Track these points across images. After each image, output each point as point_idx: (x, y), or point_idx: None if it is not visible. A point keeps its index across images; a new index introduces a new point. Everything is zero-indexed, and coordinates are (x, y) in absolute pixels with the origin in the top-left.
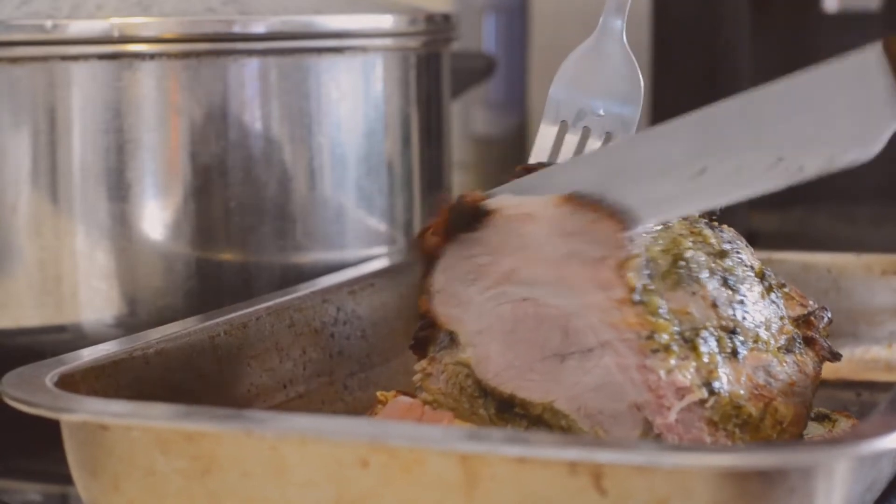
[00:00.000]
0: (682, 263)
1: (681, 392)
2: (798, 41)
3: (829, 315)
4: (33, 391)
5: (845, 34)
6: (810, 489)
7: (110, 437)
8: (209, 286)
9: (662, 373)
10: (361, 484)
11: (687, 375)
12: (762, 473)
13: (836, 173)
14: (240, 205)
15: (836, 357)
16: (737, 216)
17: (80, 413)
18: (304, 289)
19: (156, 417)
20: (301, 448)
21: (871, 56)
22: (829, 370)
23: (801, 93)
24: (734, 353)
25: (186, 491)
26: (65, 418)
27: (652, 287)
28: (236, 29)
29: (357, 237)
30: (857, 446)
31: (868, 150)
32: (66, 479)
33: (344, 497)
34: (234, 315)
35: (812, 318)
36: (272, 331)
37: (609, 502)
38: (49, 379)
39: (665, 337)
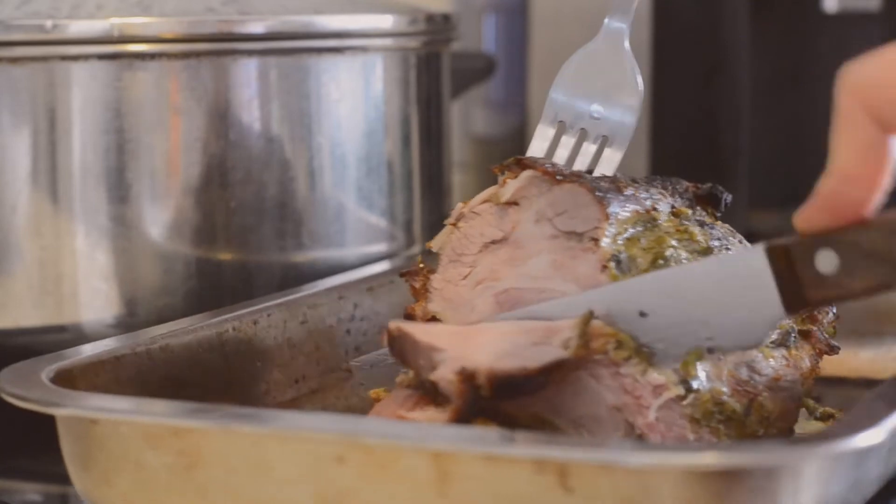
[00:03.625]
0: (661, 262)
1: (657, 390)
2: (798, 41)
3: (835, 311)
4: (27, 386)
5: (845, 34)
6: (774, 489)
7: (100, 432)
8: (209, 286)
9: (637, 374)
10: (339, 480)
11: (662, 373)
12: (726, 473)
13: None
14: (240, 205)
15: (833, 350)
16: (735, 215)
17: (70, 408)
18: (319, 286)
19: (142, 413)
20: (280, 444)
21: (758, 258)
22: (848, 369)
23: (699, 281)
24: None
25: (174, 485)
26: (55, 413)
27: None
28: (236, 29)
29: (357, 237)
30: (823, 447)
31: (749, 342)
32: (66, 479)
33: (323, 493)
34: (243, 311)
35: (816, 313)
36: (284, 327)
37: (575, 500)
38: (45, 374)
39: (632, 344)
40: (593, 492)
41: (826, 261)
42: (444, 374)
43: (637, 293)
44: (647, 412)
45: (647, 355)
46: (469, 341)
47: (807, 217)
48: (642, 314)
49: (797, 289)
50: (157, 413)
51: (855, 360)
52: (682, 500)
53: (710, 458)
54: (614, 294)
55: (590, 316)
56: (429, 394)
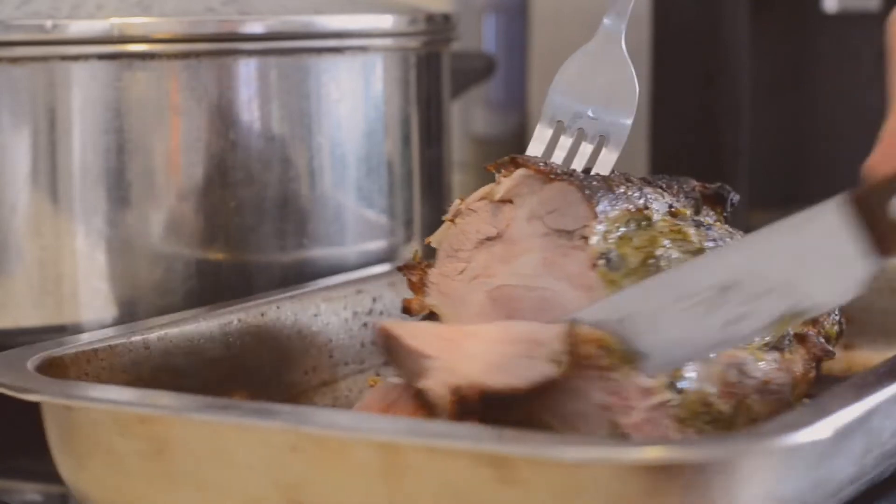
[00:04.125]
0: (652, 262)
1: (645, 392)
2: (798, 41)
3: (838, 315)
4: (10, 374)
5: (845, 34)
6: (707, 485)
7: (76, 419)
8: (209, 286)
9: (622, 378)
10: (293, 469)
11: (647, 381)
12: (659, 468)
13: (835, 172)
14: (240, 205)
15: (828, 354)
16: (735, 215)
17: (45, 395)
18: (332, 281)
19: (110, 401)
20: (238, 434)
21: (835, 210)
22: (861, 369)
23: (778, 242)
24: None
25: (144, 471)
26: (30, 399)
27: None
28: (236, 29)
29: (357, 237)
30: (756, 443)
31: (841, 298)
32: None
33: (279, 481)
34: (249, 303)
35: (818, 316)
36: (295, 319)
37: (513, 493)
38: (31, 363)
39: (619, 348)
40: (533, 485)
41: None
42: (434, 386)
43: (715, 268)
44: (633, 413)
45: (633, 359)
46: (458, 349)
47: (875, 163)
48: (724, 288)
49: (881, 235)
50: (123, 401)
51: (878, 360)
52: (615, 495)
53: (639, 453)
54: (687, 274)
55: (574, 327)
56: (415, 396)
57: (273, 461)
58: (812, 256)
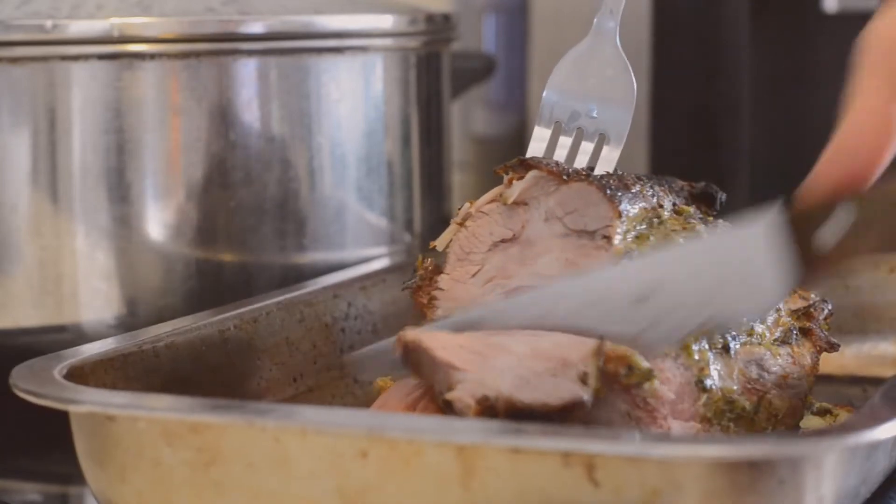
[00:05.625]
0: None
1: (671, 402)
2: (798, 41)
3: (830, 307)
4: (41, 383)
5: (845, 34)
6: (799, 480)
7: (117, 429)
8: (209, 286)
9: (648, 395)
10: (361, 475)
11: (674, 380)
12: (752, 465)
13: None
14: (240, 205)
15: (833, 347)
16: (736, 215)
17: (87, 404)
18: (315, 284)
19: (161, 409)
20: (302, 439)
21: (767, 230)
22: (836, 366)
23: (700, 259)
24: (725, 348)
25: (192, 482)
26: (72, 409)
27: None
28: (236, 29)
29: (357, 237)
30: (846, 438)
31: (756, 314)
32: (66, 479)
33: (345, 488)
34: (244, 310)
35: (812, 309)
36: (282, 325)
37: (602, 493)
38: (58, 371)
39: (643, 366)
40: (620, 484)
41: (829, 230)
42: (463, 398)
43: (634, 278)
44: (661, 422)
45: (654, 376)
46: (486, 363)
47: (810, 186)
48: (639, 300)
49: (804, 263)
50: (175, 409)
51: (841, 357)
52: (708, 492)
53: (735, 450)
54: (608, 281)
55: (601, 347)
56: (440, 407)
57: (339, 467)
58: (733, 274)
